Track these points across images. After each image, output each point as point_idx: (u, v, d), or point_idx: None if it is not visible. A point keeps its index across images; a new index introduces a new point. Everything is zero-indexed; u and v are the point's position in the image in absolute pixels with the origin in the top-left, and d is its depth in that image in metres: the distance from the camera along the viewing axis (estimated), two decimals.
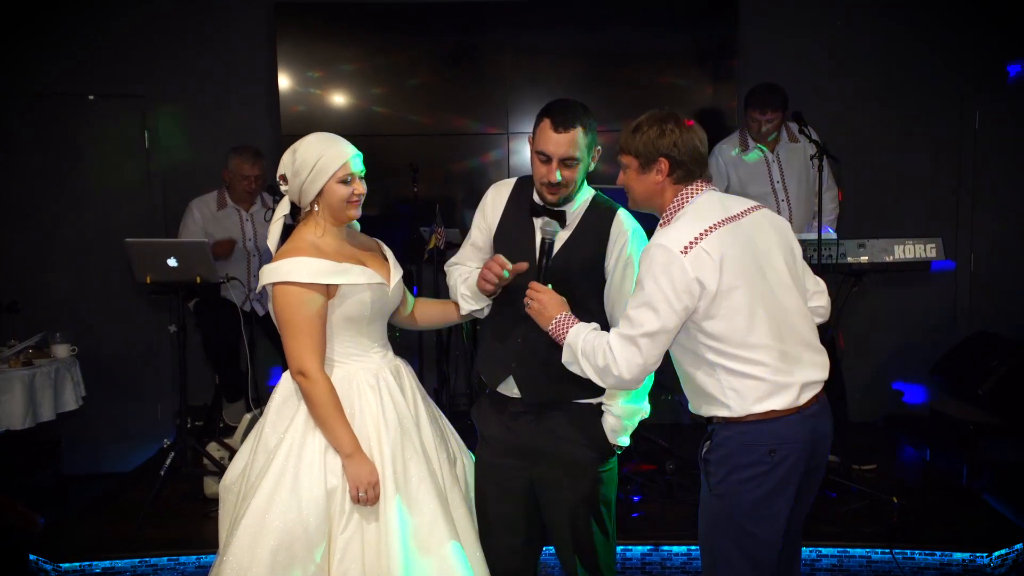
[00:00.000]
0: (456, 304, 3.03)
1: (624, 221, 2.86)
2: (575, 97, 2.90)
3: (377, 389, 2.81)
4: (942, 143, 6.33)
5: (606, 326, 2.82)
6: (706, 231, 2.52)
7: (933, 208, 6.33)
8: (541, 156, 2.78)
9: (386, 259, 2.98)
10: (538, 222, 2.81)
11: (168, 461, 4.65)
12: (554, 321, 2.69)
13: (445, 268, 3.09)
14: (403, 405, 2.85)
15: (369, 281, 2.79)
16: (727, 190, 5.05)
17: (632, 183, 2.67)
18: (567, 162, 2.76)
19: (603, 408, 2.89)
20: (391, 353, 2.96)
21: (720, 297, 2.51)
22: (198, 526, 4.44)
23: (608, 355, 2.55)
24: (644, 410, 2.91)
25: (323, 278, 2.71)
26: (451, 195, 6.11)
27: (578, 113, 2.77)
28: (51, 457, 5.58)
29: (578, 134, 2.74)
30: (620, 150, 2.69)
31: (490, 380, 2.98)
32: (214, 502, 4.54)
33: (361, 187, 2.82)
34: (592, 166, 2.86)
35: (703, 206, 2.60)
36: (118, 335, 6.31)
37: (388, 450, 2.74)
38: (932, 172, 6.35)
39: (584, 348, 2.61)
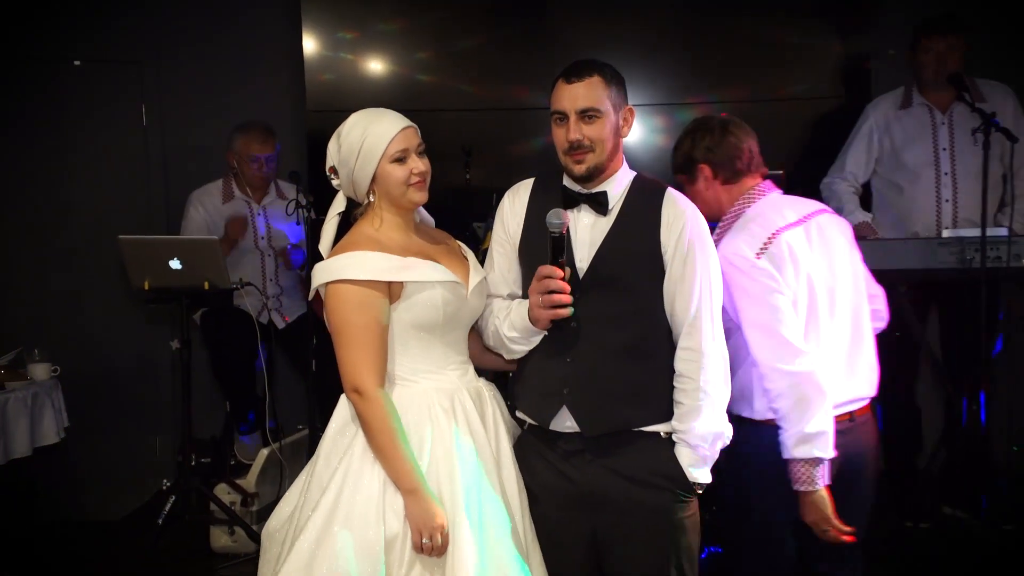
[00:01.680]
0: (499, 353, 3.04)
1: (678, 199, 2.89)
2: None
3: (452, 414, 2.81)
4: None
5: (661, 323, 2.84)
6: (774, 235, 2.99)
7: None
8: (557, 117, 2.86)
9: (465, 258, 3.00)
10: (552, 216, 2.74)
11: (167, 507, 4.69)
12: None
13: None
14: (482, 436, 2.83)
15: (442, 279, 2.80)
16: (877, 160, 5.04)
17: (694, 199, 2.99)
18: (587, 115, 2.80)
19: (675, 437, 2.85)
20: (472, 372, 2.96)
21: None
22: None
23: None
24: (726, 433, 2.87)
25: (384, 275, 2.72)
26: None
27: (596, 63, 2.85)
28: (25, 502, 5.48)
29: (596, 82, 2.81)
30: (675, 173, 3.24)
31: (539, 417, 2.93)
32: (223, 557, 4.81)
33: (421, 164, 2.83)
34: (624, 127, 2.89)
35: (766, 209, 3.08)
36: (109, 352, 6.26)
37: (461, 489, 2.73)
38: None
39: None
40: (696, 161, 3.12)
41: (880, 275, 3.34)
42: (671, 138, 5.59)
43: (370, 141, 2.77)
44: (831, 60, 5.90)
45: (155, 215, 6.20)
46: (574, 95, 2.80)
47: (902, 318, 4.41)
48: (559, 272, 2.69)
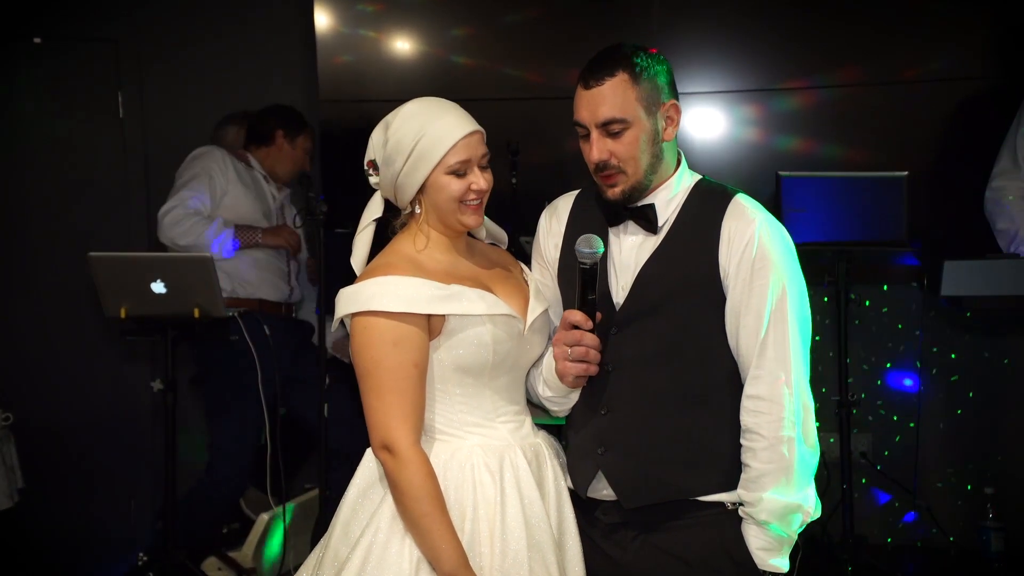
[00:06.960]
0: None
1: (747, 208, 2.84)
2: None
3: (498, 477, 2.75)
4: None
5: (723, 364, 2.80)
6: None
7: None
8: (579, 130, 2.83)
9: (526, 284, 2.98)
10: (581, 244, 2.71)
11: None
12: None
13: None
14: (538, 506, 2.77)
15: (490, 311, 2.76)
16: None
17: None
18: (610, 128, 2.76)
19: (742, 512, 2.80)
20: (530, 425, 2.92)
21: None
22: None
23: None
24: (808, 506, 2.78)
25: (423, 306, 2.70)
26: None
27: (619, 54, 2.79)
28: None
29: (620, 83, 2.75)
30: None
31: (576, 482, 2.93)
32: None
33: (482, 180, 2.82)
34: (667, 130, 2.83)
35: None
36: (75, 397, 6.30)
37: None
38: None
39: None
40: None
41: None
42: (764, 131, 5.84)
43: (427, 142, 2.75)
44: (978, 30, 5.70)
45: (134, 226, 6.25)
46: (593, 103, 2.76)
47: None
48: (589, 322, 2.67)
